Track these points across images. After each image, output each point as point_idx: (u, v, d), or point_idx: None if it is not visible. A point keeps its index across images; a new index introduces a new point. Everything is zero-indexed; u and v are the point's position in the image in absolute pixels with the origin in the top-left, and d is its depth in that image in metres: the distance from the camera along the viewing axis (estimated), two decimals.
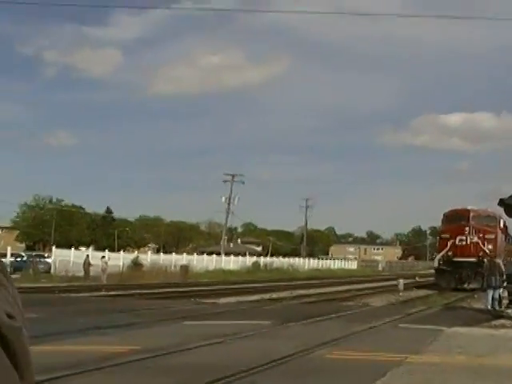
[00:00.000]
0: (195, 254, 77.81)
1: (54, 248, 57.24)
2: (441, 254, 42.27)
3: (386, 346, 15.47)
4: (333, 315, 22.77)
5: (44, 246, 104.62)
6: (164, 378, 10.77)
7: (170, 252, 78.22)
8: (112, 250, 72.67)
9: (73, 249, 58.72)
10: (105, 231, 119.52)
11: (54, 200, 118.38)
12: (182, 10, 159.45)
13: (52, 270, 50.65)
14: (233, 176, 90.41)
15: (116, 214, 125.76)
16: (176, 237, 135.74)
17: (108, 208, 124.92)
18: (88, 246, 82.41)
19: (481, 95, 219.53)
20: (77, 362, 11.63)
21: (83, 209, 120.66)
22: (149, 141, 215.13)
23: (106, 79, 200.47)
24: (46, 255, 60.40)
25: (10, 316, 1.00)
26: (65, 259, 51.97)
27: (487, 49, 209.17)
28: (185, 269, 57.47)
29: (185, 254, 73.81)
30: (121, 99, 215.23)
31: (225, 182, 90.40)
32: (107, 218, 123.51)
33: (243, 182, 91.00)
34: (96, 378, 10.57)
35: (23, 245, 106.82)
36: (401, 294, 35.06)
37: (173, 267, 58.92)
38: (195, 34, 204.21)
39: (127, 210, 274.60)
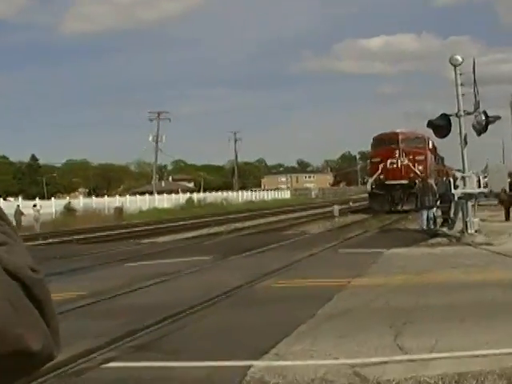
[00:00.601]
0: (127, 195, 77.20)
1: None
2: (373, 177, 42.87)
3: (329, 271, 15.74)
4: (273, 245, 22.98)
5: None
6: (111, 320, 10.71)
7: (102, 195, 77.39)
8: (42, 197, 71.37)
9: (1, 199, 57.46)
10: (32, 179, 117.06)
11: None
12: None
13: None
14: (158, 114, 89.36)
15: (42, 161, 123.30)
16: (106, 179, 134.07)
17: (33, 155, 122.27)
18: (16, 196, 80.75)
19: (401, 17, 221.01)
20: None
21: (7, 158, 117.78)
22: (66, 82, 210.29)
23: (16, 20, 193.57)
24: None
25: (33, 270, 1.10)
26: None
27: None
28: (119, 211, 57.03)
29: (117, 196, 73.20)
30: (34, 40, 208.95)
31: (151, 120, 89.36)
32: (33, 166, 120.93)
33: (169, 119, 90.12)
34: None
35: None
36: (336, 219, 35.61)
37: (106, 210, 58.40)
38: None
39: (53, 156, 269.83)
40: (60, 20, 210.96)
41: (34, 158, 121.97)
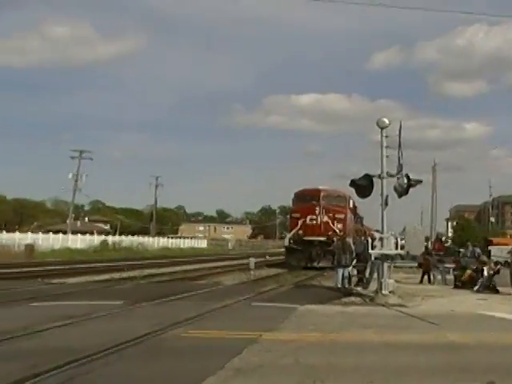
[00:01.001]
0: (40, 232, 75.32)
1: None
2: (292, 232, 43.07)
3: (241, 324, 15.47)
4: (186, 294, 22.56)
5: None
6: (11, 363, 10.13)
7: (13, 231, 75.30)
8: None
9: None
10: None
11: None
12: None
13: None
14: (81, 152, 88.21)
15: None
16: (19, 214, 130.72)
17: None
18: None
19: (333, 77, 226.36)
20: None
21: None
22: None
23: None
24: None
25: None
26: None
27: (338, 31, 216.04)
28: (30, 248, 55.49)
29: (29, 232, 71.30)
30: None
31: (72, 158, 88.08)
32: None
33: (91, 159, 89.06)
34: None
35: None
36: (252, 272, 35.44)
37: (16, 247, 56.72)
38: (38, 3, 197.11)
39: None
40: None
41: None
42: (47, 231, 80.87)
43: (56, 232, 76.83)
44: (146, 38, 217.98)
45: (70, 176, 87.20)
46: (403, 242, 25.47)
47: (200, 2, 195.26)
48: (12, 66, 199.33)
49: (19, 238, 61.64)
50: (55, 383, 8.82)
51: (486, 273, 26.62)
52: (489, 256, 40.26)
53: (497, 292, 25.43)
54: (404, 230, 52.60)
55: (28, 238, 63.67)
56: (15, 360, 10.37)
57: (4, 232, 71.06)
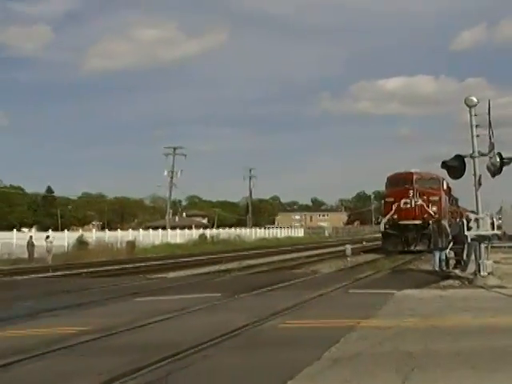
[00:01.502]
0: (141, 229, 77.22)
1: None
2: (386, 217, 42.66)
3: (338, 312, 15.50)
4: (283, 284, 22.76)
5: None
6: (116, 357, 10.53)
7: (115, 229, 77.45)
8: (56, 229, 71.52)
9: (15, 230, 57.58)
10: (47, 211, 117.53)
11: None
12: None
13: None
14: (174, 149, 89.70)
15: (57, 193, 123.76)
16: (120, 213, 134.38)
17: (49, 187, 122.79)
18: (30, 228, 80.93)
19: (420, 59, 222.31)
20: (27, 346, 11.32)
21: (22, 189, 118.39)
22: (88, 118, 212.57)
23: (38, 57, 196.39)
24: None
25: None
26: (7, 242, 50.94)
27: (425, 13, 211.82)
28: (131, 245, 57.02)
29: (130, 229, 73.23)
30: (55, 77, 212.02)
31: (166, 155, 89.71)
32: (48, 198, 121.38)
33: (185, 155, 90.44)
34: (47, 362, 10.29)
35: None
36: (349, 259, 35.29)
37: (119, 244, 58.39)
38: (127, 7, 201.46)
39: (69, 189, 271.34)
40: (82, 57, 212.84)
41: (49, 189, 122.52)
42: (147, 228, 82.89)
43: (155, 228, 78.62)
44: (230, 33, 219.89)
45: (166, 173, 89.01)
46: (500, 222, 24.86)
47: None
48: (105, 69, 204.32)
49: (121, 236, 63.42)
50: (155, 377, 9.10)
51: None
52: None
53: None
54: (500, 209, 51.18)
55: (129, 235, 65.46)
56: (119, 354, 10.76)
57: (107, 230, 73.26)
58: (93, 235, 62.56)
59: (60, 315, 16.31)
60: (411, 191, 42.00)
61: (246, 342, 11.87)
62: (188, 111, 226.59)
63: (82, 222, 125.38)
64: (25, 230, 70.18)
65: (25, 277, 31.39)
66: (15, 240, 51.97)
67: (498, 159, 21.82)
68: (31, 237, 48.45)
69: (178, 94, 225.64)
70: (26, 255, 46.33)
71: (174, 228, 79.66)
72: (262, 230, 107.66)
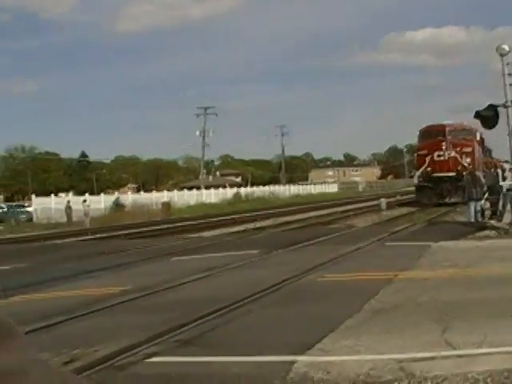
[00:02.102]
0: (175, 190, 77.74)
1: (33, 197, 56.88)
2: (420, 170, 42.44)
3: (375, 265, 15.57)
4: (319, 239, 22.88)
5: (23, 196, 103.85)
6: (159, 315, 10.73)
7: (150, 190, 78.04)
8: (91, 193, 72.29)
9: (52, 196, 58.37)
10: (82, 175, 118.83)
11: (27, 149, 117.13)
12: None
13: (34, 219, 50.48)
14: (205, 109, 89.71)
15: (91, 157, 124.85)
16: (154, 175, 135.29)
17: (83, 152, 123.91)
18: (67, 192, 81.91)
19: (449, 9, 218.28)
20: (68, 307, 11.57)
21: (58, 155, 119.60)
22: (117, 81, 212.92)
23: (66, 20, 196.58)
24: (26, 204, 60.09)
25: None
26: (46, 207, 51.77)
27: None
28: (166, 206, 57.46)
29: (165, 191, 73.80)
30: (84, 40, 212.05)
31: (197, 115, 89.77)
32: (83, 162, 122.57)
33: (216, 114, 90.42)
34: (90, 322, 10.53)
35: (1, 196, 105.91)
36: (384, 213, 35.35)
37: (154, 205, 58.88)
38: None
39: (102, 153, 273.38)
40: (109, 19, 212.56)
41: (83, 154, 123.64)
42: (182, 188, 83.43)
43: (190, 188, 79.10)
44: None
45: (198, 133, 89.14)
46: None
47: None
48: (131, 31, 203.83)
49: (156, 197, 63.88)
50: (200, 332, 9.28)
51: None
52: None
53: None
54: None
55: (164, 196, 65.93)
56: (161, 312, 10.96)
57: (142, 192, 73.87)
58: (128, 197, 63.18)
59: (100, 276, 16.62)
60: (444, 143, 41.66)
61: (286, 296, 12.03)
62: (216, 70, 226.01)
63: (117, 185, 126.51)
64: (62, 194, 71.05)
65: (65, 240, 31.92)
66: (53, 205, 52.73)
67: None
68: (69, 201, 49.07)
69: (205, 53, 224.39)
70: (64, 219, 47.00)
71: (208, 188, 79.98)
72: (296, 186, 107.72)
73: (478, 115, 22.93)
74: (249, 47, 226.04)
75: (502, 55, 21.93)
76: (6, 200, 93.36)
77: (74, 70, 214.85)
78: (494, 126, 22.70)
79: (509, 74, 21.81)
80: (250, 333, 9.30)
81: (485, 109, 22.61)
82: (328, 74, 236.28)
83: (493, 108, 22.22)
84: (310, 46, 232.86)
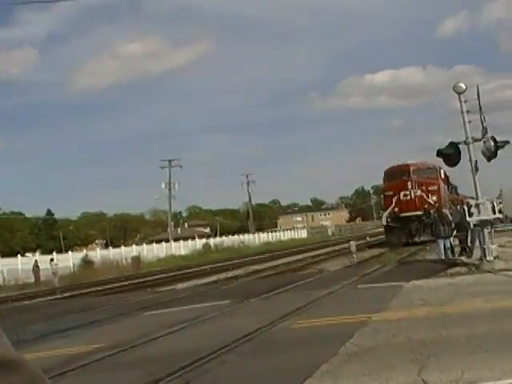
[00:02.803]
0: (144, 244, 77.28)
1: None
2: (387, 211, 42.72)
3: (349, 308, 15.57)
4: (291, 286, 22.82)
5: None
6: (134, 371, 10.59)
7: (119, 245, 77.47)
8: (59, 251, 71.49)
9: (19, 256, 57.61)
10: (49, 234, 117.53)
11: None
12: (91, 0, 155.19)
13: (1, 281, 49.65)
14: (169, 161, 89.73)
15: (57, 215, 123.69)
16: (122, 229, 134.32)
17: (48, 210, 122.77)
18: (34, 252, 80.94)
19: (404, 51, 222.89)
20: (43, 368, 11.30)
21: (23, 214, 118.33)
22: (80, 138, 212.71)
23: (26, 80, 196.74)
24: None
25: None
26: (12, 268, 50.98)
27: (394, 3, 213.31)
28: (136, 260, 57.02)
29: (134, 245, 73.27)
30: (45, 99, 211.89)
31: (162, 168, 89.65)
32: (49, 220, 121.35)
33: (181, 166, 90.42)
34: (64, 383, 10.33)
35: None
36: (354, 255, 35.35)
37: (124, 260, 58.44)
38: (108, 24, 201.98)
39: (68, 210, 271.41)
40: (68, 77, 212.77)
41: (49, 212, 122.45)
42: (150, 242, 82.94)
43: (159, 241, 78.67)
44: (214, 42, 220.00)
45: (163, 186, 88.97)
46: (501, 205, 24.94)
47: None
48: (93, 88, 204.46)
49: (125, 252, 63.45)
50: None
51: None
52: None
53: None
54: (501, 193, 51.25)
55: (133, 250, 65.44)
56: (135, 368, 10.82)
57: (111, 248, 73.28)
58: (97, 254, 62.65)
59: (72, 335, 16.38)
60: (409, 183, 42.07)
61: (260, 345, 11.94)
62: (181, 123, 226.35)
63: (85, 242, 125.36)
64: (28, 254, 70.21)
65: (33, 301, 31.43)
66: (20, 265, 52.01)
67: (493, 143, 21.92)
68: (36, 261, 48.48)
69: (170, 106, 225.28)
70: (32, 279, 46.36)
71: (177, 240, 79.66)
72: (265, 234, 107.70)
73: (440, 153, 23.23)
74: (210, 99, 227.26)
75: (458, 93, 22.34)
76: None
77: (37, 129, 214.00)
78: (456, 164, 23.01)
79: (467, 112, 22.21)
80: None
81: (446, 147, 22.92)
82: (291, 122, 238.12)
83: (454, 145, 22.54)
84: (272, 96, 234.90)
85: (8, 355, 0.95)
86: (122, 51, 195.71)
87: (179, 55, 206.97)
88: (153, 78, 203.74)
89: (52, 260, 47.24)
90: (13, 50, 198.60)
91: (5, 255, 61.87)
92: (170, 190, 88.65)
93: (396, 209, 42.00)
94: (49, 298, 32.36)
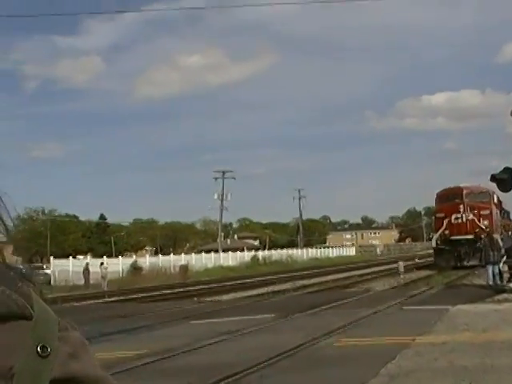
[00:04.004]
0: (193, 253, 77.77)
1: (52, 259, 57.10)
2: (438, 233, 42.34)
3: (393, 329, 15.51)
4: (337, 303, 22.81)
5: (41, 258, 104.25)
6: (174, 379, 10.76)
7: (168, 253, 78.12)
8: (109, 256, 72.44)
9: (71, 258, 58.60)
10: (100, 238, 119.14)
11: (47, 211, 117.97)
12: (154, 12, 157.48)
13: (52, 281, 50.54)
14: (223, 173, 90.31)
15: (110, 220, 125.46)
16: (172, 238, 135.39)
17: (101, 214, 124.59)
18: (85, 255, 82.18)
19: (464, 73, 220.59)
20: None
21: (77, 217, 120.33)
22: (137, 145, 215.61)
23: (89, 87, 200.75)
24: (44, 267, 60.23)
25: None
26: (64, 269, 51.90)
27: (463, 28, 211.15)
28: (184, 269, 57.40)
29: (183, 254, 73.80)
30: (106, 106, 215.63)
31: (216, 179, 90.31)
32: (101, 225, 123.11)
33: (234, 178, 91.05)
34: None
35: (20, 258, 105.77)
36: (402, 276, 35.13)
37: (172, 268, 58.90)
38: (171, 35, 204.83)
39: (121, 215, 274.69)
40: (132, 86, 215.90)
41: (102, 217, 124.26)
42: (200, 251, 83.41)
43: (208, 251, 79.07)
44: (274, 57, 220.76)
45: (216, 196, 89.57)
46: None
47: (317, 16, 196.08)
48: (152, 98, 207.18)
49: (174, 260, 63.89)
50: None
51: None
52: None
53: None
54: None
55: (182, 259, 65.87)
56: (175, 376, 10.99)
57: (160, 255, 73.93)
58: (146, 260, 63.27)
59: (117, 340, 16.65)
60: (461, 206, 41.63)
61: (302, 361, 11.99)
62: (236, 135, 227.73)
63: (135, 248, 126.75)
64: (80, 257, 71.33)
65: (82, 303, 31.96)
66: (71, 267, 52.88)
67: None
68: (87, 264, 49.27)
69: (225, 118, 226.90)
70: (82, 282, 47.11)
71: (226, 251, 79.93)
72: (314, 249, 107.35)
73: (493, 178, 23.01)
74: (267, 114, 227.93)
75: None
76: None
77: (94, 135, 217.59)
78: (510, 189, 22.75)
79: None
80: None
81: (501, 172, 22.70)
82: (346, 140, 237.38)
83: (509, 170, 22.31)
84: (326, 112, 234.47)
85: (94, 373, 1.07)
86: (184, 63, 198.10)
87: (237, 69, 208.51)
88: (210, 90, 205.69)
89: (102, 264, 47.96)
90: (80, 57, 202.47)
91: (57, 256, 62.96)
92: (222, 200, 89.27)
93: (447, 231, 41.59)
94: (97, 300, 32.85)
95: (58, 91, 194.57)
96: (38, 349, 0.98)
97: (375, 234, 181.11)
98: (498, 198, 43.36)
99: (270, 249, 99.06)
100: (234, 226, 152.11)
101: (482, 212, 41.64)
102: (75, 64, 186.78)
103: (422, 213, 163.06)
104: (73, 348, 1.04)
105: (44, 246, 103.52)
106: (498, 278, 25.82)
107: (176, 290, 37.39)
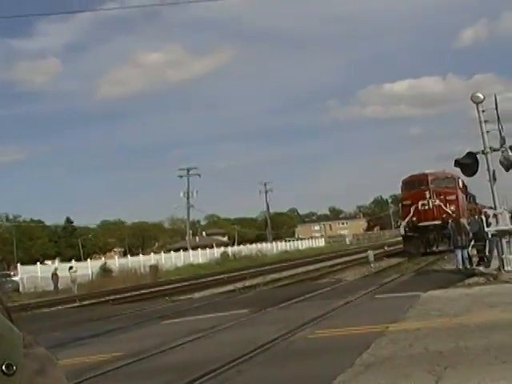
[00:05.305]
0: (162, 252, 77.44)
1: (19, 265, 56.44)
2: (405, 220, 42.66)
3: (366, 318, 15.57)
4: (309, 295, 22.84)
5: (8, 265, 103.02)
6: (152, 380, 10.68)
7: (137, 254, 77.71)
8: (78, 259, 71.83)
9: (39, 264, 57.99)
10: (68, 242, 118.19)
11: (11, 217, 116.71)
12: (108, 12, 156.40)
13: (21, 288, 49.98)
14: (188, 170, 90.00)
15: (76, 223, 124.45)
16: (140, 237, 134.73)
17: (68, 218, 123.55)
18: (53, 260, 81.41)
19: (424, 60, 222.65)
20: None
21: (42, 222, 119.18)
22: (100, 146, 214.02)
23: (49, 89, 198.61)
24: (12, 273, 59.51)
25: None
26: (32, 275, 51.34)
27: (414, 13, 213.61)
28: (154, 268, 57.21)
29: (152, 253, 73.44)
30: (67, 107, 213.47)
31: (181, 176, 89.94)
32: (68, 228, 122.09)
33: (199, 175, 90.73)
34: None
35: None
36: (372, 265, 35.34)
37: (142, 269, 58.58)
38: (127, 34, 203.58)
39: (87, 218, 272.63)
40: (92, 86, 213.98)
41: (68, 220, 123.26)
42: (169, 250, 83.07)
43: (177, 250, 78.77)
44: (234, 51, 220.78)
45: (182, 194, 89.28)
46: None
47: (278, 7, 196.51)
48: (113, 97, 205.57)
49: (144, 260, 63.56)
50: None
51: None
52: None
53: None
54: None
55: (151, 259, 65.59)
56: (153, 377, 10.91)
57: (129, 256, 73.50)
58: (115, 262, 62.84)
59: (90, 343, 16.49)
60: (427, 192, 41.97)
61: (277, 355, 11.99)
62: (199, 131, 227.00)
63: (104, 250, 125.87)
64: (48, 262, 70.69)
65: (52, 308, 31.64)
66: (40, 273, 52.35)
67: (511, 153, 21.89)
68: (56, 268, 48.83)
69: (187, 114, 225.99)
70: (51, 287, 46.66)
71: (195, 248, 79.77)
72: (283, 243, 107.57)
73: (457, 163, 23.22)
74: (227, 107, 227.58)
75: (476, 103, 22.34)
76: None
77: (55, 137, 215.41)
78: (474, 174, 22.98)
79: (485, 121, 22.19)
80: None
81: (464, 157, 22.91)
82: (310, 130, 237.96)
83: (472, 155, 22.53)
84: (290, 103, 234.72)
85: None
86: (144, 60, 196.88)
87: (197, 64, 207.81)
88: (171, 87, 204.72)
89: (71, 268, 47.54)
90: (36, 59, 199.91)
91: (24, 263, 62.30)
92: (188, 198, 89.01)
93: (414, 218, 41.92)
94: (67, 305, 32.54)
95: (15, 94, 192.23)
96: (3, 367, 0.97)
97: (343, 224, 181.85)
98: (463, 182, 43.82)
99: (239, 244, 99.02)
100: (202, 223, 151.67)
101: (448, 197, 42.04)
102: (32, 66, 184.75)
103: (389, 201, 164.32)
104: (40, 364, 1.02)
105: (10, 252, 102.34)
106: (467, 262, 26.06)
107: (147, 291, 37.18)
